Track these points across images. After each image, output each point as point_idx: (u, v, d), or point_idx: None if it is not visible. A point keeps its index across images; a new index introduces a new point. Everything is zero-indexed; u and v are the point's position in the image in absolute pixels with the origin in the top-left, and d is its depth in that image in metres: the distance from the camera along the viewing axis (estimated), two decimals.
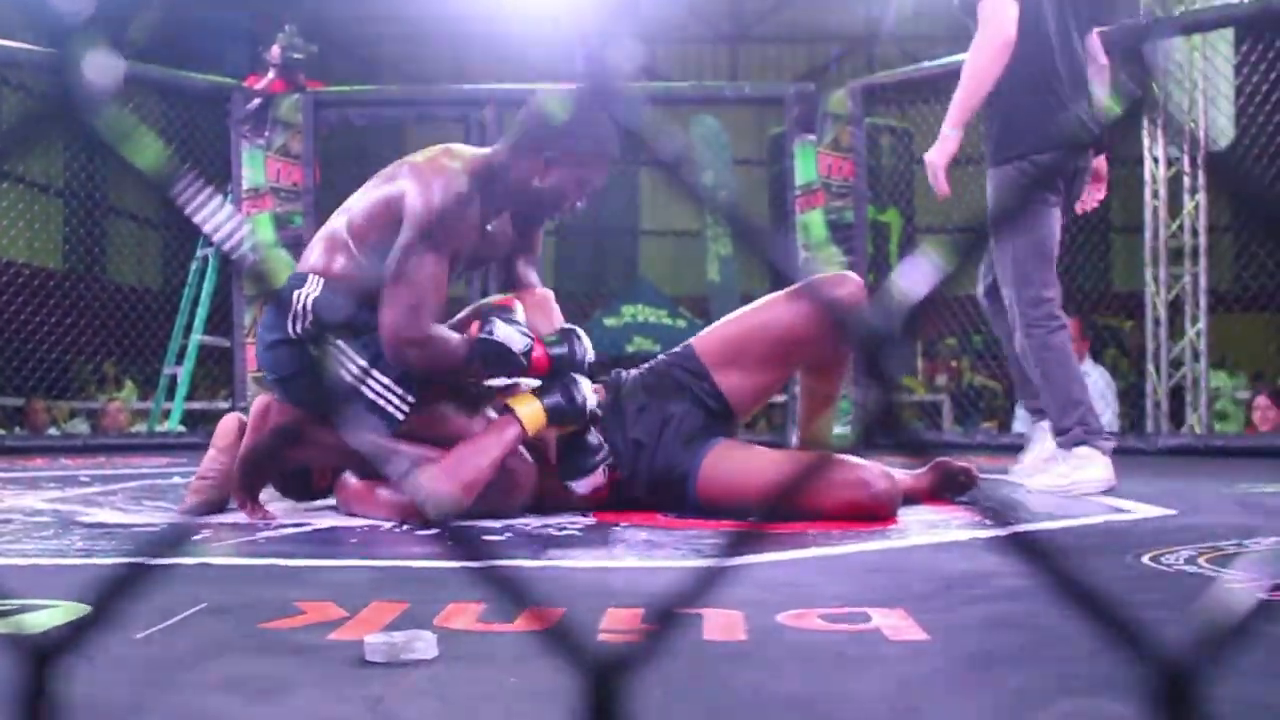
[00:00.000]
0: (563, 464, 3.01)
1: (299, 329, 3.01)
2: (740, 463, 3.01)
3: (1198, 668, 0.56)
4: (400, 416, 2.97)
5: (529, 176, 3.08)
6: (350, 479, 3.08)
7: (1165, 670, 0.57)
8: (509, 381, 3.10)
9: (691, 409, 3.12)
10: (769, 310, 3.15)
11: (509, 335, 2.92)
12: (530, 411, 2.92)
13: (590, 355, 3.04)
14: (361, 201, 3.08)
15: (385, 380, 2.98)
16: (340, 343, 2.99)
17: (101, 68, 0.66)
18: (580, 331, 3.06)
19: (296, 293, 3.04)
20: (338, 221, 3.12)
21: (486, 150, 3.15)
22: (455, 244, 2.96)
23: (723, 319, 3.30)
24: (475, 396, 3.11)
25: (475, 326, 2.98)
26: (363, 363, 2.97)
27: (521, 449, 2.97)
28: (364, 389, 2.97)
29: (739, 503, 2.92)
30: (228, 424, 3.16)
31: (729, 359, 3.15)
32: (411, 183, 2.97)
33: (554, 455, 3.03)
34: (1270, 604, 0.62)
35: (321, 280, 3.03)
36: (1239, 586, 0.62)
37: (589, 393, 2.96)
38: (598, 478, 2.99)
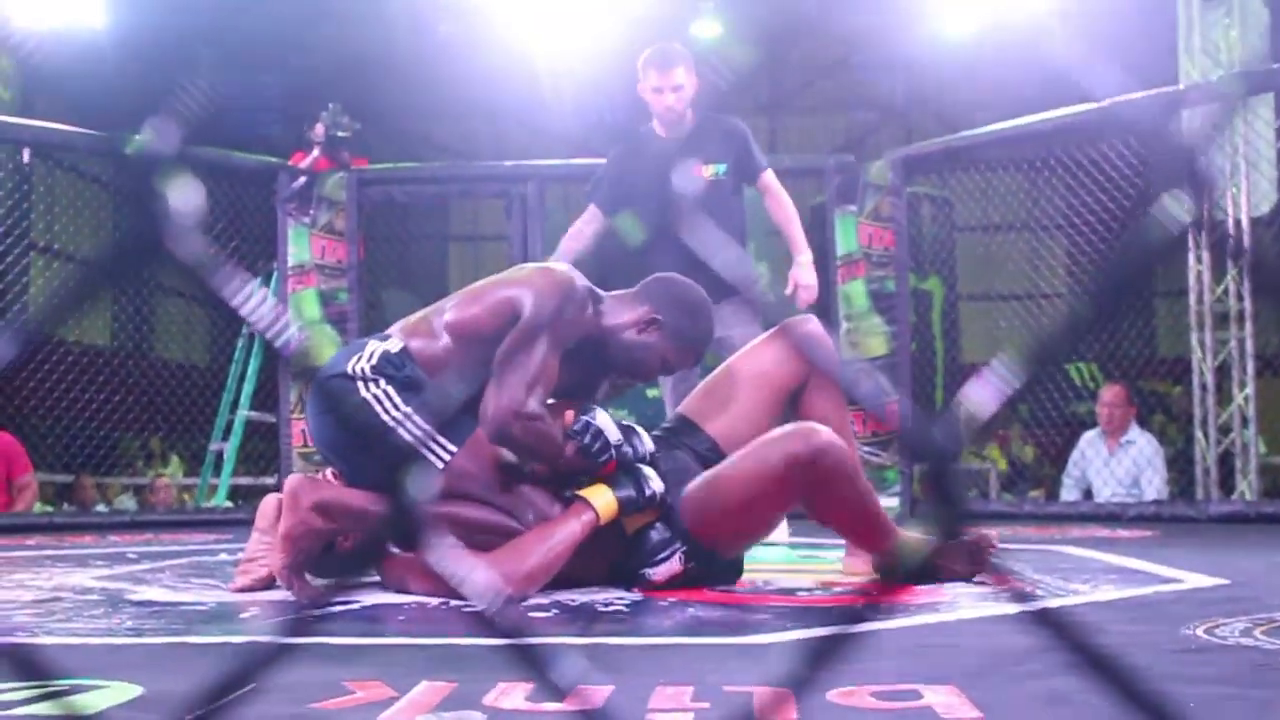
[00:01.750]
0: (638, 553, 2.98)
1: (358, 367, 3.02)
2: (707, 477, 3.00)
3: None
4: (439, 465, 2.96)
5: (630, 323, 3.17)
6: (397, 553, 3.06)
7: None
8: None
9: (686, 461, 3.13)
10: (744, 354, 3.33)
11: (608, 424, 2.95)
12: (604, 502, 2.91)
13: (650, 448, 3.07)
14: (469, 295, 3.13)
15: (426, 427, 2.97)
16: (390, 388, 2.99)
17: (188, 197, 0.67)
18: (639, 429, 3.08)
19: (373, 341, 3.10)
20: (433, 309, 3.17)
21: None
22: (567, 342, 3.01)
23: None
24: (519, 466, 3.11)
25: (570, 415, 2.98)
26: (406, 408, 2.97)
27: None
28: (402, 431, 2.95)
29: (720, 511, 2.93)
30: (268, 505, 3.18)
31: (715, 407, 3.25)
32: (535, 280, 3.05)
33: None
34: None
35: (403, 343, 3.07)
36: None
37: (657, 483, 2.97)
38: (674, 565, 2.97)
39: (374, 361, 3.02)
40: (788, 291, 4.96)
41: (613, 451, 2.95)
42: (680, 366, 3.32)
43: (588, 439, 2.93)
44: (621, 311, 3.20)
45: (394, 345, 3.07)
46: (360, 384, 2.99)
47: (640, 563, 2.97)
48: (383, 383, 2.99)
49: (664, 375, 3.30)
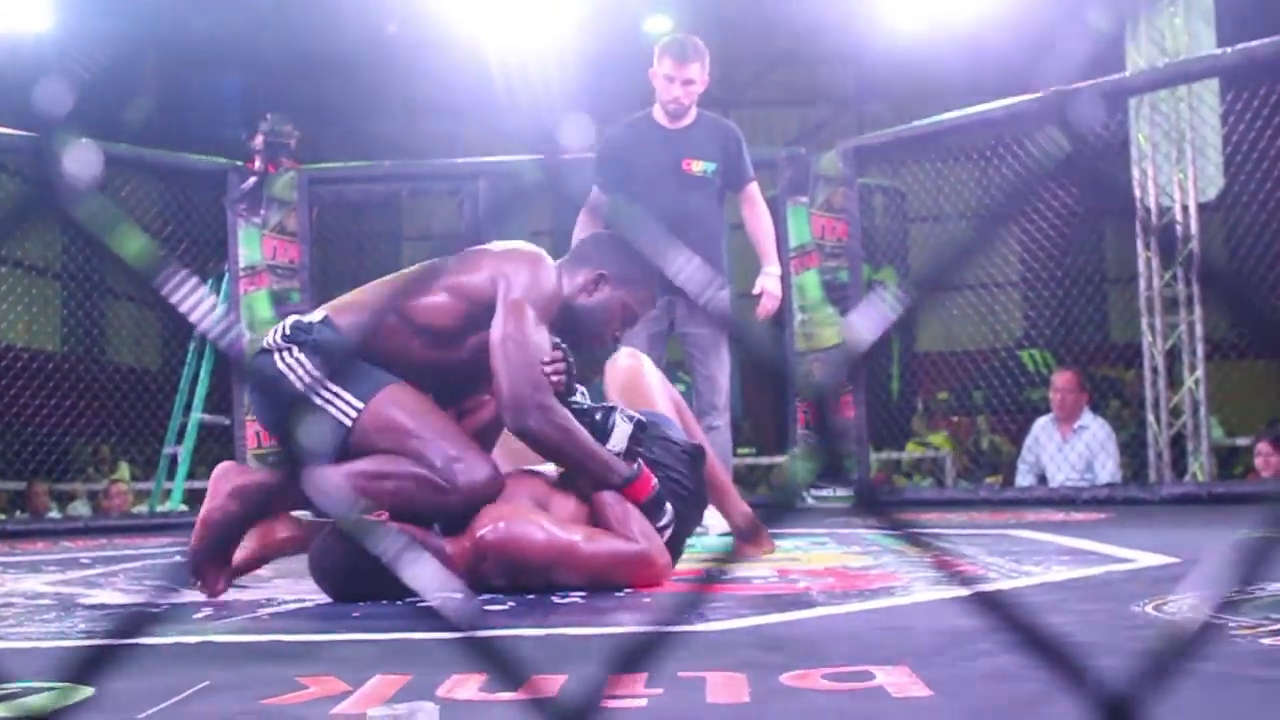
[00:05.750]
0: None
1: (274, 339, 3.03)
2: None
3: (1140, 702, 0.57)
4: (348, 422, 2.90)
5: (580, 287, 3.11)
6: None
7: (1109, 705, 0.58)
8: None
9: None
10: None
11: (624, 433, 2.91)
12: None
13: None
14: (426, 279, 3.06)
15: (334, 388, 2.94)
16: (301, 355, 2.98)
17: (81, 160, 0.67)
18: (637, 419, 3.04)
19: (295, 315, 3.12)
20: (379, 289, 3.16)
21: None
22: (551, 318, 2.96)
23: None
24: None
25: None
26: (316, 373, 2.97)
27: None
28: (314, 397, 2.96)
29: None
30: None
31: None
32: (511, 259, 2.99)
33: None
34: (1227, 638, 0.63)
35: (325, 314, 3.07)
36: (1187, 622, 0.63)
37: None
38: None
39: (286, 330, 3.04)
40: (755, 292, 5.12)
41: (639, 460, 2.91)
42: (642, 311, 3.23)
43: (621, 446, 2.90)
44: (570, 280, 3.13)
45: (315, 316, 3.08)
46: (276, 355, 3.00)
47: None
48: (295, 350, 2.99)
49: (628, 328, 3.22)
